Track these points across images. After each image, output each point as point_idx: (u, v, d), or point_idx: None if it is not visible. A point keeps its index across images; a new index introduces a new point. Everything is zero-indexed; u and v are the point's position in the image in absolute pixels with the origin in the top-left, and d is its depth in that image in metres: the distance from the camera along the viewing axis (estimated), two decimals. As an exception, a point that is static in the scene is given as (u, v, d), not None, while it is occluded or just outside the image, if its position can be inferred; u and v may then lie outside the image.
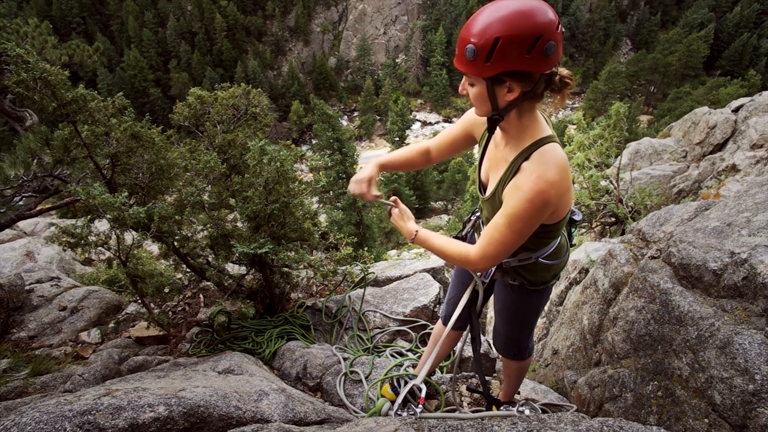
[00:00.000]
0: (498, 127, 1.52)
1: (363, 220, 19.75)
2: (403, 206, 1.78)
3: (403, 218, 1.75)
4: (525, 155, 1.46)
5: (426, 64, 65.72)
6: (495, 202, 1.58)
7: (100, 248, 2.91)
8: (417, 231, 1.69)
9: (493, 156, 1.63)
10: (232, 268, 4.19)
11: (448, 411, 2.58)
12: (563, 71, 1.37)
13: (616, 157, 8.58)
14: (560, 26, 1.27)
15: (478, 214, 1.98)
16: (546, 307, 4.41)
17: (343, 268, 4.20)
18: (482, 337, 3.64)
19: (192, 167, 3.34)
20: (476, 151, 1.80)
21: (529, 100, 1.39)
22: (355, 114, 63.70)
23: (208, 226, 3.45)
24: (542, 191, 1.37)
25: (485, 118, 1.50)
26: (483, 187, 1.73)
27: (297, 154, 3.58)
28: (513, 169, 1.48)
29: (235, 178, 3.34)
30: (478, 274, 1.89)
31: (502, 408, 2.48)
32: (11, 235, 7.30)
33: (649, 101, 59.51)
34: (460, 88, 1.47)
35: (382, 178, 32.68)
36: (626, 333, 2.23)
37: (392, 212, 1.78)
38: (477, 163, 1.81)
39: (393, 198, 1.78)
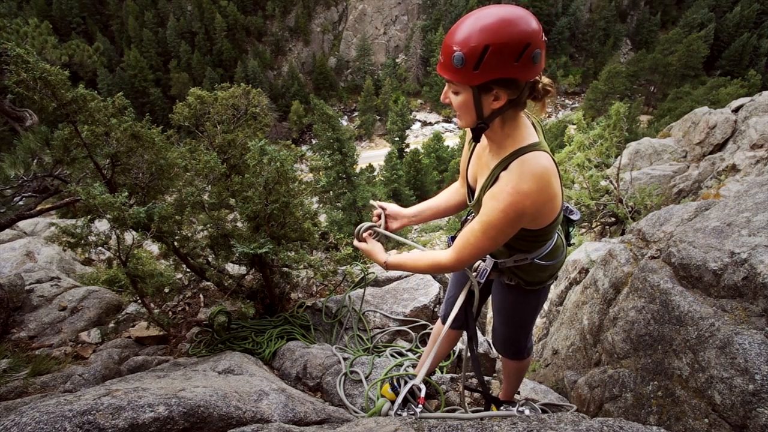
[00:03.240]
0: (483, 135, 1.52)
1: (363, 220, 19.79)
2: (364, 246, 1.88)
3: (371, 253, 1.84)
4: (504, 164, 1.45)
5: (426, 64, 65.71)
6: (479, 208, 1.58)
7: (100, 248, 2.91)
8: (386, 260, 1.77)
9: (479, 161, 1.64)
10: (232, 268, 4.19)
11: (448, 411, 2.58)
12: (545, 80, 1.38)
13: (616, 157, 8.58)
14: (543, 35, 1.28)
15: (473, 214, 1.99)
16: (546, 307, 4.41)
17: (343, 268, 4.20)
18: (482, 337, 3.64)
19: (192, 167, 3.34)
20: (464, 155, 1.79)
21: (513, 108, 1.39)
22: (355, 114, 63.67)
23: (208, 226, 3.45)
24: (516, 203, 1.37)
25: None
26: (472, 192, 1.74)
27: (297, 154, 3.59)
28: (492, 178, 1.49)
29: (235, 178, 3.33)
30: (474, 274, 1.89)
31: (501, 408, 2.48)
32: (11, 235, 7.30)
33: (649, 101, 59.50)
34: (442, 97, 1.45)
35: (383, 179, 32.72)
36: (626, 333, 2.23)
37: (361, 249, 1.89)
38: (462, 167, 1.82)
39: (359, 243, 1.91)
